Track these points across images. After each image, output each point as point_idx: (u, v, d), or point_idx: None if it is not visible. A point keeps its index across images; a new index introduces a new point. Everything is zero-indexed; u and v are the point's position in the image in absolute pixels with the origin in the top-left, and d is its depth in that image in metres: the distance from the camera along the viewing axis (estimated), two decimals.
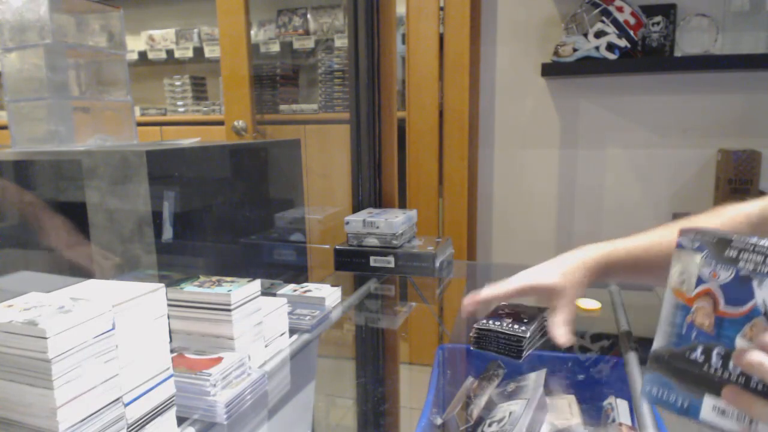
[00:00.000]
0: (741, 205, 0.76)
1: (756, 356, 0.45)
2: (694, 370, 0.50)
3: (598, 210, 2.31)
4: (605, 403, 0.92)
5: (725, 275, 0.49)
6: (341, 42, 2.76)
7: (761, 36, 1.98)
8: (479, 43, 2.34)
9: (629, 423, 0.83)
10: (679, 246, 0.52)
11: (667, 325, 0.52)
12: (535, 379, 0.88)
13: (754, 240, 0.47)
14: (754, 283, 0.47)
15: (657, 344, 0.53)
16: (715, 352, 0.48)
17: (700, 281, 0.50)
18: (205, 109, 3.11)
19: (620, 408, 0.87)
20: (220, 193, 1.22)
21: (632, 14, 2.00)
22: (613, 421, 0.85)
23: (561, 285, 0.84)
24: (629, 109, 2.21)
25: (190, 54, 3.15)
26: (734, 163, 1.98)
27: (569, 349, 0.99)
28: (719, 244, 0.49)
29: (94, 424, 0.53)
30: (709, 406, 0.49)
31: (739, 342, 0.47)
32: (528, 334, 0.90)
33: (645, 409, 0.73)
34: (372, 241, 1.36)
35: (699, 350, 0.50)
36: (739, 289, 0.48)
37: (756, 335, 0.46)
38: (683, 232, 0.52)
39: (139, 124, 1.52)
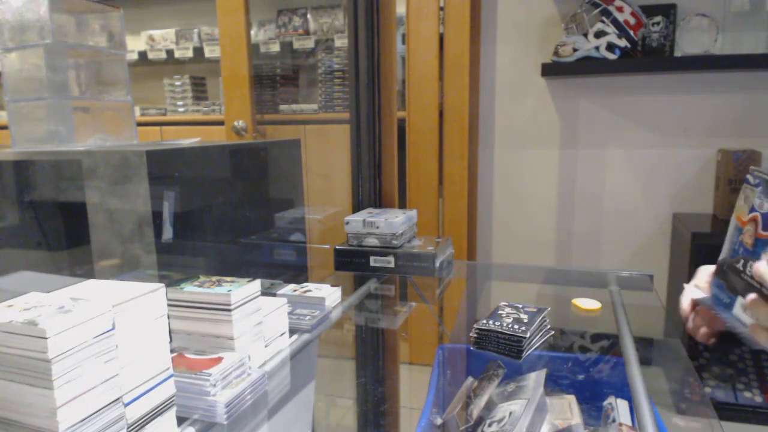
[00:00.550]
0: None
1: (761, 266, 0.58)
2: (737, 276, 0.63)
3: (598, 210, 2.31)
4: (605, 403, 0.92)
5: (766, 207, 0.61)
6: (341, 42, 2.76)
7: (761, 36, 1.98)
8: (479, 43, 2.34)
9: (629, 423, 0.83)
10: (745, 181, 0.65)
11: (728, 242, 0.66)
12: (535, 379, 0.88)
13: None
14: None
15: (721, 256, 0.67)
16: (749, 264, 0.61)
17: (752, 209, 0.63)
18: (205, 109, 3.11)
19: (620, 408, 0.88)
20: (220, 193, 1.22)
21: (632, 14, 2.00)
22: (613, 421, 0.85)
23: None
24: (629, 109, 2.21)
25: (190, 54, 3.15)
26: (734, 163, 1.98)
27: (569, 348, 0.99)
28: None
29: (94, 424, 0.53)
30: (739, 304, 0.62)
31: (763, 257, 0.60)
32: (528, 334, 0.90)
33: (645, 409, 0.73)
34: (372, 241, 1.36)
35: (742, 262, 0.62)
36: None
37: None
38: (750, 171, 0.65)
39: (139, 124, 1.52)
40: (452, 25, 2.22)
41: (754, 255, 0.60)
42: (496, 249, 2.47)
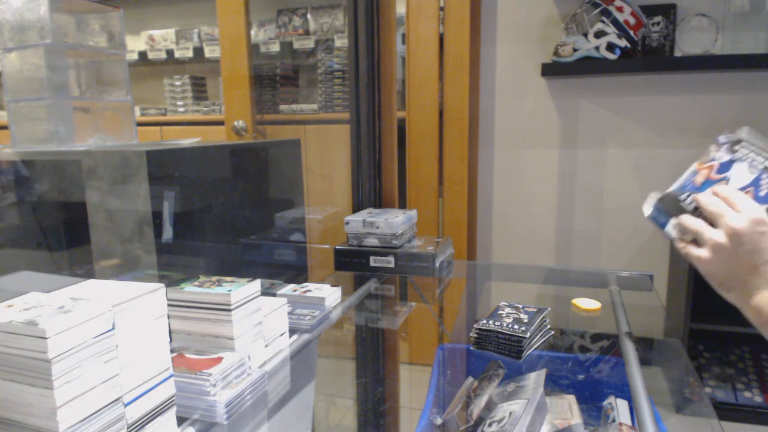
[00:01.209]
0: None
1: (700, 195, 0.79)
2: (677, 204, 0.83)
3: (598, 210, 2.31)
4: (605, 403, 0.92)
5: (726, 157, 0.83)
6: (341, 42, 2.76)
7: (761, 36, 1.98)
8: (479, 43, 2.34)
9: (629, 423, 0.83)
10: (716, 141, 0.86)
11: (680, 181, 0.85)
12: (535, 379, 0.88)
13: (752, 141, 0.84)
14: (735, 164, 0.82)
15: (669, 189, 0.86)
16: (692, 196, 0.82)
17: (712, 159, 0.84)
18: (205, 109, 3.11)
19: (620, 408, 0.88)
20: (220, 193, 1.22)
21: (632, 14, 2.00)
22: (613, 420, 0.85)
23: None
24: (629, 109, 2.21)
25: (190, 54, 3.15)
26: None
27: (569, 348, 0.99)
28: (735, 142, 0.84)
29: (94, 424, 0.53)
30: (672, 223, 0.83)
31: (705, 191, 0.81)
32: (528, 334, 0.90)
33: (645, 409, 0.73)
34: (372, 241, 1.36)
35: (685, 194, 0.83)
36: (726, 165, 0.82)
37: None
38: (724, 135, 0.86)
39: (139, 124, 1.52)
40: (452, 25, 2.22)
41: (699, 191, 0.81)
42: (496, 249, 2.47)
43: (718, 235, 0.74)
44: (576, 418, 0.86)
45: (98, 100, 1.28)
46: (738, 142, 0.83)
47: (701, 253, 0.76)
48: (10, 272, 1.09)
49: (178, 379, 0.66)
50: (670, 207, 0.84)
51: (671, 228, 0.83)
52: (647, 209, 0.87)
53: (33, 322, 0.49)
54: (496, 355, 0.92)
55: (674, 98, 2.15)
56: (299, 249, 1.52)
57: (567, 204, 2.34)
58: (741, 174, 0.82)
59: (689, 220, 0.79)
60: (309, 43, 2.86)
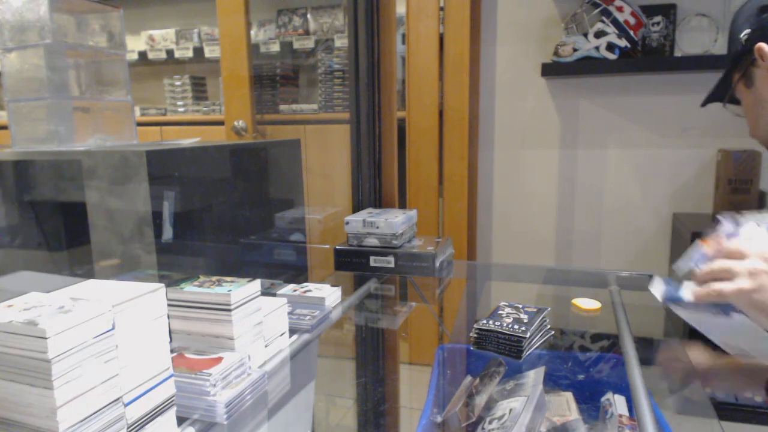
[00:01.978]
0: None
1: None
2: (689, 274, 0.82)
3: (598, 210, 2.31)
4: (603, 399, 0.92)
5: (732, 227, 0.84)
6: (341, 42, 2.76)
7: None
8: (479, 43, 2.34)
9: (627, 415, 0.83)
10: (717, 221, 0.88)
11: (686, 256, 0.85)
12: (534, 376, 0.88)
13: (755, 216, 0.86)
14: (743, 227, 0.83)
15: (676, 264, 0.86)
16: (705, 262, 0.82)
17: (719, 233, 0.85)
18: (205, 109, 3.11)
19: (618, 403, 0.88)
20: (220, 193, 1.22)
21: (632, 14, 2.00)
22: (611, 416, 0.85)
23: None
24: (629, 109, 2.21)
25: (190, 54, 3.15)
26: (734, 163, 1.98)
27: (569, 348, 0.99)
28: (738, 216, 0.85)
29: (94, 424, 0.53)
30: (688, 287, 0.82)
31: None
32: (528, 334, 0.90)
33: (644, 406, 0.73)
34: (372, 241, 1.36)
35: (695, 262, 0.83)
36: (734, 233, 0.83)
37: None
38: (723, 214, 0.88)
39: (139, 124, 1.52)
40: (452, 25, 2.22)
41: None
42: (496, 249, 2.47)
43: (753, 263, 0.72)
44: (574, 414, 0.86)
45: (98, 100, 1.28)
46: (741, 216, 0.87)
47: (741, 284, 0.72)
48: (10, 272, 1.09)
49: (178, 379, 0.66)
50: (679, 278, 0.84)
51: (686, 291, 0.81)
52: (658, 292, 0.87)
53: (33, 322, 0.49)
54: (496, 355, 0.92)
55: (674, 98, 2.15)
56: (299, 249, 1.52)
57: (567, 204, 2.34)
58: (752, 230, 0.83)
59: (711, 265, 0.77)
60: (309, 43, 2.86)
